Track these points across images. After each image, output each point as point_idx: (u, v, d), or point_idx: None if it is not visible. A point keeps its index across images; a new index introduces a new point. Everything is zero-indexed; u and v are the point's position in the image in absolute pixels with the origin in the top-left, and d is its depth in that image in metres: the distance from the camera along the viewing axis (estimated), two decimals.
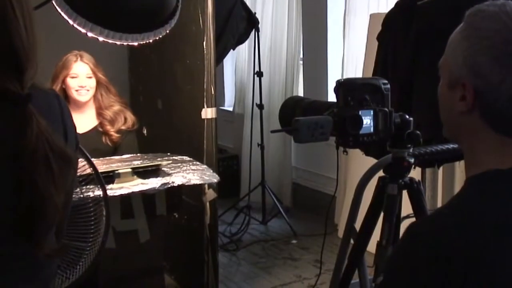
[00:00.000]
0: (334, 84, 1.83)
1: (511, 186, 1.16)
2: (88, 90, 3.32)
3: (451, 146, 2.10)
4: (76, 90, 3.29)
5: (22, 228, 1.17)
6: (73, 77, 3.29)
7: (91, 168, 2.28)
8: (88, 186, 2.33)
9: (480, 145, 1.19)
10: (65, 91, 3.32)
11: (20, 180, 1.14)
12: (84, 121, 3.38)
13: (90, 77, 3.32)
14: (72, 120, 1.33)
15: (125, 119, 3.39)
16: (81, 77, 3.29)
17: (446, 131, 1.31)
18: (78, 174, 2.29)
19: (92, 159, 3.00)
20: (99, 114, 3.38)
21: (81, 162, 2.29)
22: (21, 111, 1.14)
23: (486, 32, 1.15)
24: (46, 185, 1.15)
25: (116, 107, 3.39)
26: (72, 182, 1.30)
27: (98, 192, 2.33)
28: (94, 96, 3.37)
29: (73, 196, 2.25)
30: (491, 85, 1.13)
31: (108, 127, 3.35)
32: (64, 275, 2.23)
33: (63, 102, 1.31)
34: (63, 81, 3.29)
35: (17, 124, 1.13)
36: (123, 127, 3.38)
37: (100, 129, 3.37)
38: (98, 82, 3.35)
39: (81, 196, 2.29)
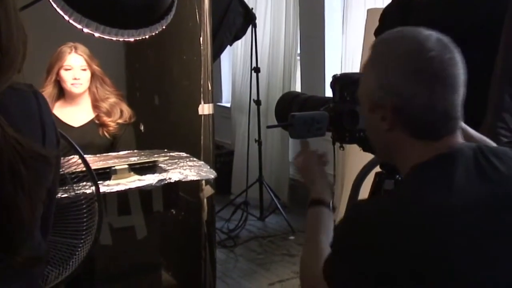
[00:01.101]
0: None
1: (425, 173, 1.31)
2: (81, 84, 3.29)
3: None
4: (72, 84, 3.27)
5: None
6: (67, 69, 3.25)
7: (84, 165, 2.27)
8: (81, 184, 2.33)
9: (409, 154, 1.35)
10: (59, 83, 3.31)
11: None
12: (80, 114, 3.36)
13: (85, 69, 3.28)
14: (52, 117, 1.32)
15: (121, 111, 3.36)
16: (75, 69, 3.26)
17: (379, 153, 1.51)
18: (70, 171, 2.28)
19: (89, 155, 3.01)
20: (95, 106, 3.36)
21: (74, 159, 2.28)
22: None
23: (390, 55, 1.33)
24: (12, 195, 1.14)
25: (112, 99, 3.36)
26: (54, 179, 1.29)
27: (92, 190, 2.33)
28: (89, 89, 3.34)
29: (65, 194, 2.26)
30: (405, 100, 1.30)
31: (105, 118, 3.33)
32: (57, 271, 2.23)
33: (41, 99, 1.28)
34: (57, 73, 3.26)
35: None
36: (119, 120, 3.35)
37: (97, 121, 3.35)
38: (93, 74, 3.32)
39: (73, 193, 2.28)
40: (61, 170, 2.10)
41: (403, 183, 1.35)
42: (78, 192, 2.30)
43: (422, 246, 1.23)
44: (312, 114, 1.70)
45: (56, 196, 1.38)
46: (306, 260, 1.56)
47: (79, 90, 3.30)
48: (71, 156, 2.26)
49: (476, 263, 1.24)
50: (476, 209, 1.27)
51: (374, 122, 1.38)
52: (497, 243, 1.27)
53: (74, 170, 2.30)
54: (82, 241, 2.28)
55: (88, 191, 2.33)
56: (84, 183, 2.35)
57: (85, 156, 2.95)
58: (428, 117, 1.31)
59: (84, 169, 2.30)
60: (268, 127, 1.93)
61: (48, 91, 3.24)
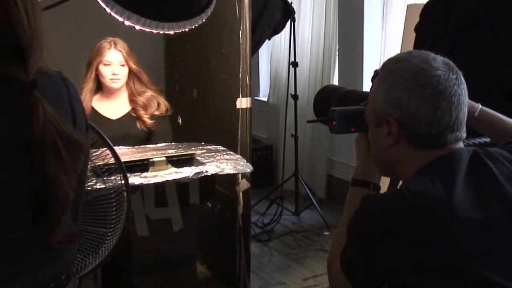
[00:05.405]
0: (371, 75, 1.80)
1: (427, 173, 1.39)
2: (119, 79, 3.34)
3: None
4: (110, 79, 3.32)
5: (35, 214, 1.18)
6: (106, 65, 3.31)
7: (112, 155, 2.29)
8: (112, 176, 2.34)
9: (413, 163, 1.43)
10: (98, 78, 3.36)
11: (29, 167, 1.15)
12: (118, 107, 3.41)
13: (123, 65, 3.33)
14: (81, 103, 1.34)
15: (158, 104, 3.40)
16: (114, 65, 3.31)
17: (381, 169, 1.60)
18: (102, 163, 2.31)
19: (127, 147, 3.04)
20: (132, 100, 3.41)
21: (105, 151, 2.30)
22: (27, 99, 1.14)
23: (399, 72, 1.42)
24: (55, 171, 1.16)
25: (149, 93, 3.41)
26: (83, 166, 1.31)
27: (123, 181, 2.35)
28: (126, 83, 3.39)
29: (101, 185, 2.28)
30: (410, 113, 1.39)
31: (141, 112, 3.37)
32: (87, 260, 2.26)
33: (70, 85, 1.31)
34: (97, 68, 3.32)
35: (24, 112, 1.14)
36: (156, 112, 3.39)
37: (134, 115, 3.39)
38: (130, 70, 3.37)
39: (104, 186, 2.30)
40: (92, 162, 2.15)
41: (408, 182, 1.42)
42: (110, 184, 2.32)
43: (421, 239, 1.31)
44: (353, 109, 1.68)
45: (89, 188, 1.40)
46: (335, 237, 1.65)
47: (117, 85, 3.35)
48: (103, 149, 2.28)
49: (471, 255, 1.32)
50: (470, 204, 1.35)
51: (380, 137, 1.47)
52: (488, 234, 1.35)
53: (106, 162, 2.32)
54: (111, 229, 2.31)
55: (118, 183, 2.35)
56: (118, 176, 2.36)
57: (122, 147, 3.00)
58: (432, 130, 1.40)
59: (112, 161, 2.32)
60: (309, 121, 1.92)
61: (89, 86, 3.32)
